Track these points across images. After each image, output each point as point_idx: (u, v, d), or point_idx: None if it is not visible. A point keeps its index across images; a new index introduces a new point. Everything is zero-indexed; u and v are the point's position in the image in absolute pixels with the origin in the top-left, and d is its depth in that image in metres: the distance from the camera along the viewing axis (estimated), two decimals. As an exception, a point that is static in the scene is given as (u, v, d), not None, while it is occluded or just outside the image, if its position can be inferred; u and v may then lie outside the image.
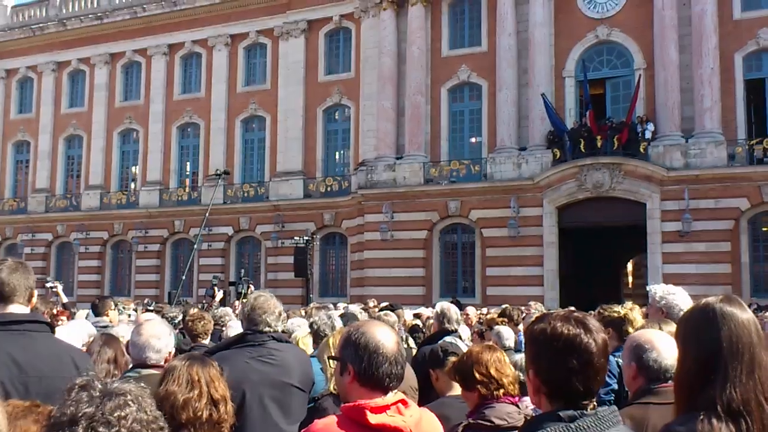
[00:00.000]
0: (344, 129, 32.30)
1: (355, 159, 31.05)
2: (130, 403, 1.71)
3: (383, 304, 12.98)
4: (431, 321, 8.86)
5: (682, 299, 4.79)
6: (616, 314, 5.28)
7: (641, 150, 25.13)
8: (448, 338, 6.09)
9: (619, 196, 25.29)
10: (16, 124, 39.81)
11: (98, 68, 37.51)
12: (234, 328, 6.00)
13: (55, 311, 8.72)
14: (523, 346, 4.96)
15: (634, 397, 3.37)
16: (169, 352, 3.95)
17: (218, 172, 19.30)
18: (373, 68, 29.93)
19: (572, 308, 10.11)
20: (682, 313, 3.11)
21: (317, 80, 32.38)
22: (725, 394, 2.04)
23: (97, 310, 8.25)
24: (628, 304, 5.62)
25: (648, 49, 26.11)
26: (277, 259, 31.54)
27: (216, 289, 15.10)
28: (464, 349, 4.85)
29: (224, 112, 34.30)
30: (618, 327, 5.16)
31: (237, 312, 12.06)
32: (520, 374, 4.20)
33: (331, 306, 13.74)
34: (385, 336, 2.63)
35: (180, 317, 9.49)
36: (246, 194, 33.32)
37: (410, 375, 5.10)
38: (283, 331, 4.67)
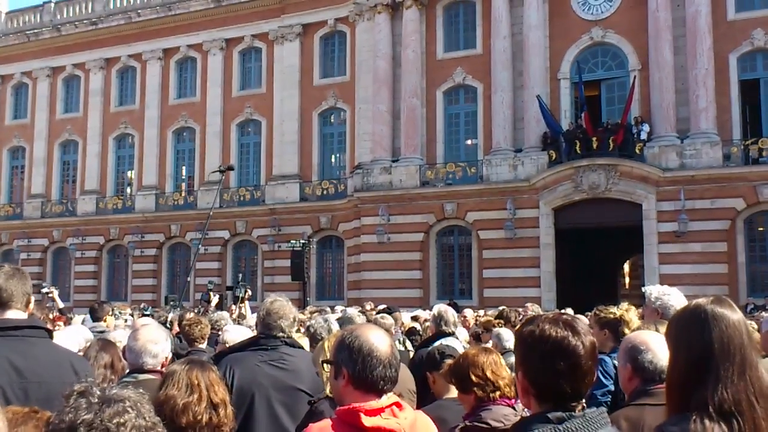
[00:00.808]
0: (340, 132, 32.30)
1: (350, 162, 31.03)
2: (129, 409, 1.71)
3: (380, 307, 12.96)
4: (428, 323, 8.86)
5: (677, 300, 4.77)
6: (612, 315, 5.24)
7: (637, 151, 25.15)
8: (444, 341, 6.11)
9: (615, 197, 25.32)
10: (11, 129, 39.75)
11: (93, 73, 37.46)
12: (231, 332, 6.00)
13: (51, 317, 8.71)
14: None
15: (630, 398, 3.38)
16: (166, 357, 3.96)
17: (222, 168, 19.26)
18: (368, 71, 29.93)
19: (569, 310, 10.14)
20: (677, 314, 3.12)
21: (312, 84, 32.38)
22: (717, 394, 2.06)
23: (96, 315, 8.26)
24: (624, 305, 5.58)
25: (643, 51, 26.15)
26: (273, 263, 31.51)
27: (212, 293, 15.04)
28: (461, 351, 4.86)
29: (220, 116, 34.27)
30: (614, 328, 5.14)
31: (234, 316, 12.05)
32: (516, 376, 4.20)
33: (329, 309, 13.74)
34: (379, 339, 2.64)
35: (169, 317, 9.49)
36: (242, 198, 33.28)
37: (408, 378, 5.11)
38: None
